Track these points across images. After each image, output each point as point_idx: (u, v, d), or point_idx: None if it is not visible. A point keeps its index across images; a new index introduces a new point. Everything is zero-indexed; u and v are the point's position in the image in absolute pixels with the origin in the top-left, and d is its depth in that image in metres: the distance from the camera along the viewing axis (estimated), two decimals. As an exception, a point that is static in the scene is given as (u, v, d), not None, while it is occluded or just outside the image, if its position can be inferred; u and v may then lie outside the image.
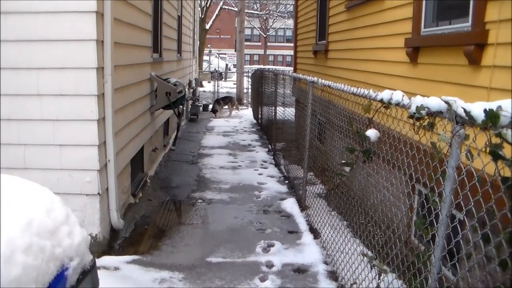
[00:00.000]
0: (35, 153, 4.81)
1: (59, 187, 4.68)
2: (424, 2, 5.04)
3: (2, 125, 4.74)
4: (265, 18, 55.68)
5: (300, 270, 4.83)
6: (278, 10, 55.34)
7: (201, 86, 27.74)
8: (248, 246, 5.39)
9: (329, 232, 5.22)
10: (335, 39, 8.87)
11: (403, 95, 2.92)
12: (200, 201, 7.06)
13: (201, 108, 18.17)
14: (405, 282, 3.07)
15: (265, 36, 58.04)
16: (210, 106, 18.28)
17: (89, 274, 2.60)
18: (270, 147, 11.21)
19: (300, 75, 7.59)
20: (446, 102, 2.32)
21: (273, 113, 10.14)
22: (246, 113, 18.67)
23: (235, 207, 6.85)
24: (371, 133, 3.28)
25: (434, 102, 2.43)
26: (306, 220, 6.20)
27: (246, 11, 26.35)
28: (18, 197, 2.42)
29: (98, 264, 2.92)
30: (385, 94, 3.15)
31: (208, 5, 31.68)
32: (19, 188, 2.53)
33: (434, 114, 2.46)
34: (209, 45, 41.76)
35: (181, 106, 8.63)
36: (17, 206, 2.31)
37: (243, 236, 5.71)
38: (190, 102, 15.86)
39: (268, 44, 60.61)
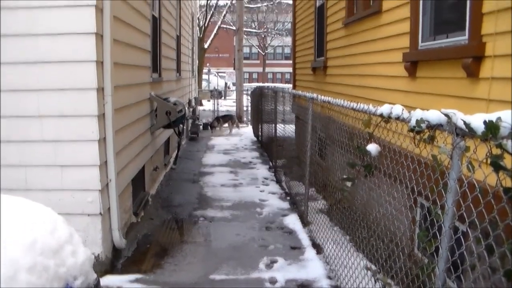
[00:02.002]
0: (37, 174, 4.82)
1: (61, 207, 4.65)
2: (421, 17, 5.08)
3: (3, 147, 4.75)
4: (263, 36, 55.98)
5: (304, 285, 4.81)
6: (276, 28, 55.66)
7: (201, 105, 27.81)
8: (251, 262, 5.37)
9: (332, 247, 5.21)
10: (333, 55, 8.92)
11: (403, 109, 2.94)
12: (202, 219, 7.05)
13: (201, 126, 18.19)
14: (410, 295, 3.06)
15: (263, 54, 58.31)
16: (211, 125, 18.33)
17: (93, 293, 2.60)
18: (271, 164, 11.21)
19: (300, 92, 7.62)
20: (446, 115, 2.33)
21: (273, 130, 10.15)
22: (246, 131, 18.69)
23: (237, 224, 6.83)
24: (372, 147, 3.29)
25: (434, 115, 2.45)
26: (309, 236, 6.18)
27: (244, 29, 26.51)
28: (22, 217, 2.43)
29: (101, 284, 2.91)
30: (384, 109, 3.17)
31: (206, 24, 31.86)
32: (23, 209, 2.54)
33: (434, 127, 2.47)
34: (208, 64, 41.93)
35: (181, 125, 8.66)
36: (20, 226, 2.32)
37: (245, 253, 5.69)
38: (190, 121, 15.89)
39: (267, 61, 60.86)
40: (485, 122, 2.00)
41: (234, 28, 32.06)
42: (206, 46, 33.42)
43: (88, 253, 2.66)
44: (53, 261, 2.30)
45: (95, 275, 2.69)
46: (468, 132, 2.15)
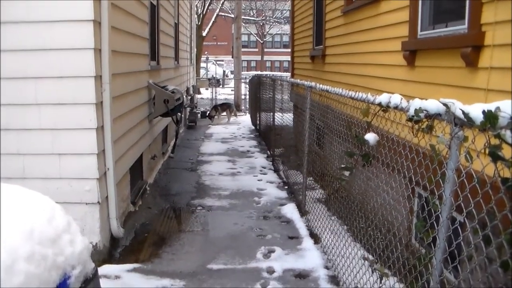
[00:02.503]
0: (34, 162, 4.81)
1: (58, 196, 4.64)
2: (420, 6, 5.06)
3: (1, 135, 4.74)
4: (261, 24, 55.75)
5: (301, 275, 4.82)
6: (274, 16, 55.46)
7: (199, 93, 27.78)
8: (249, 252, 5.38)
9: (330, 237, 5.22)
10: (332, 43, 8.89)
11: (401, 98, 2.93)
12: (199, 208, 7.06)
13: (199, 115, 18.18)
14: (407, 285, 3.07)
15: (262, 42, 58.09)
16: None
17: (91, 282, 2.60)
18: (269, 153, 11.22)
19: (298, 80, 7.60)
20: (444, 104, 2.33)
21: (271, 119, 10.14)
22: (244, 120, 18.68)
23: (235, 213, 6.84)
24: (370, 137, 3.29)
25: (432, 105, 2.44)
26: (306, 225, 6.19)
27: (242, 17, 26.41)
28: (19, 206, 2.42)
29: (99, 273, 2.91)
30: (383, 98, 3.16)
31: (204, 12, 31.76)
32: (20, 197, 2.53)
33: (432, 117, 2.47)
34: (206, 52, 41.86)
35: (179, 114, 8.64)
36: (18, 215, 2.31)
37: (243, 242, 5.70)
38: (188, 109, 15.87)
39: (265, 50, 60.65)
40: (484, 112, 1.99)
41: (232, 16, 31.89)
42: (204, 34, 33.35)
43: (86, 242, 2.66)
44: (51, 250, 2.29)
45: (93, 264, 2.69)
46: (466, 122, 2.14)
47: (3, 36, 4.60)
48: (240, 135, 14.71)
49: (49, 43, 4.64)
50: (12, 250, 2.06)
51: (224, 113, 18.32)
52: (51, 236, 2.34)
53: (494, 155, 1.98)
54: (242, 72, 25.44)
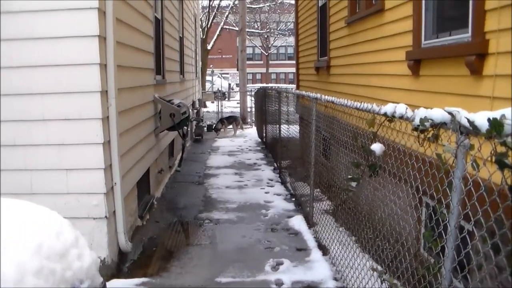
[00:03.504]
0: (42, 178, 4.83)
1: (66, 211, 4.66)
2: (423, 15, 5.07)
3: (8, 151, 4.76)
4: (266, 36, 55.91)
5: (310, 287, 4.80)
6: (278, 28, 55.59)
7: (205, 106, 27.85)
8: (257, 265, 5.36)
9: (338, 248, 5.20)
10: (336, 54, 8.91)
11: (407, 108, 2.93)
12: (207, 221, 7.05)
13: (205, 128, 18.21)
14: (416, 295, 3.05)
15: (266, 54, 58.24)
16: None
17: (99, 297, 2.60)
18: (275, 165, 11.20)
19: (303, 92, 7.61)
20: (450, 113, 2.32)
21: (278, 131, 10.15)
22: (251, 132, 18.69)
23: (242, 226, 6.83)
24: (376, 147, 3.28)
25: (438, 114, 2.44)
26: (314, 237, 6.17)
27: (247, 30, 26.50)
28: (28, 221, 2.43)
29: (107, 287, 2.92)
30: (388, 108, 3.16)
31: (209, 25, 31.91)
32: (28, 212, 2.54)
33: (438, 126, 2.46)
34: (211, 65, 41.98)
35: (185, 127, 8.65)
36: (26, 230, 2.32)
37: (251, 255, 5.68)
38: (194, 122, 15.90)
39: (270, 62, 60.75)
40: (489, 119, 1.99)
41: (237, 29, 32.01)
42: (209, 47, 33.48)
43: (94, 256, 2.67)
44: (60, 264, 2.30)
45: (101, 279, 2.69)
46: (472, 130, 2.14)
47: (11, 52, 4.64)
48: (247, 148, 14.71)
49: (55, 59, 4.68)
50: (20, 265, 2.07)
51: (230, 126, 18.34)
52: (59, 250, 2.35)
53: (501, 163, 1.97)
54: (248, 85, 25.46)
